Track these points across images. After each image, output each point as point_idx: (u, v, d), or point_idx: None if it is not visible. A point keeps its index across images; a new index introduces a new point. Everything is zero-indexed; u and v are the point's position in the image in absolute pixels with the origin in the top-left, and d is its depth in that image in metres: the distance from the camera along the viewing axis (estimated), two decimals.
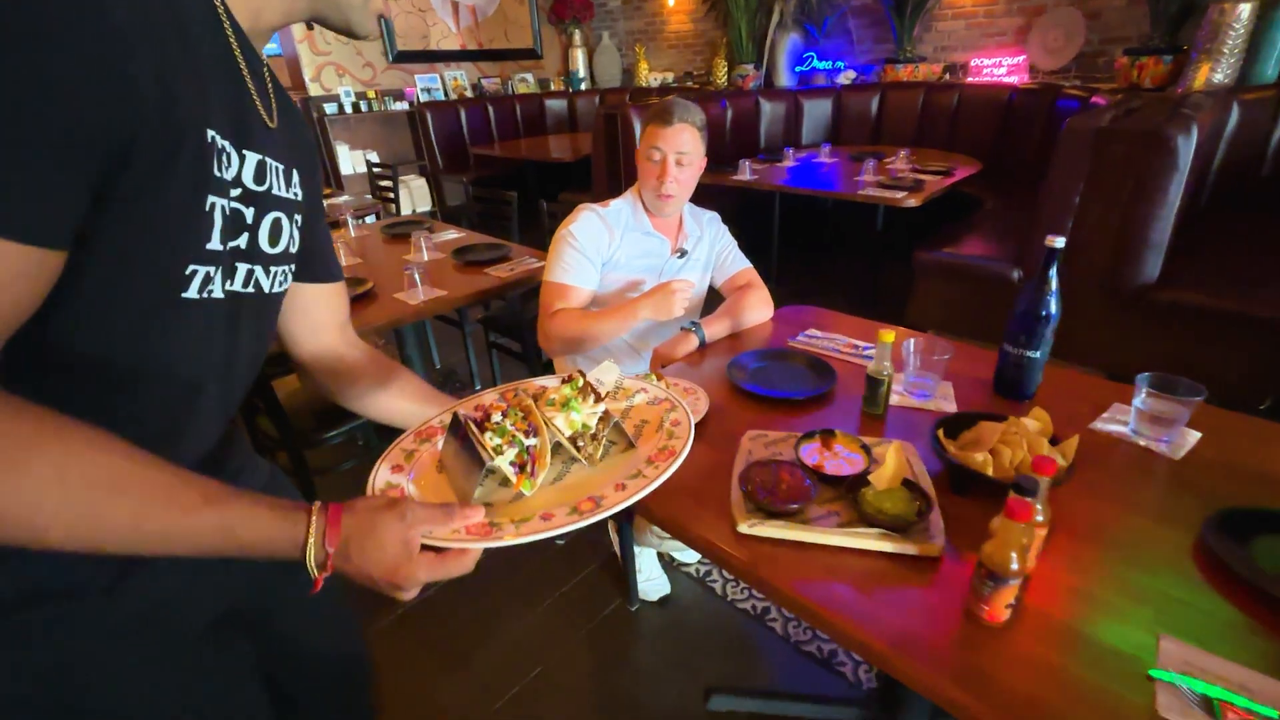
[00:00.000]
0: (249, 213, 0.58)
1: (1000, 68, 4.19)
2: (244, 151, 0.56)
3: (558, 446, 0.68)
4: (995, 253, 2.64)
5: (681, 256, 1.49)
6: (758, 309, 1.47)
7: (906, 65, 4.41)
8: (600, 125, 3.77)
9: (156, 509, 0.46)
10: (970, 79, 4.27)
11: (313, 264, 0.76)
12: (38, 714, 0.53)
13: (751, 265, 1.56)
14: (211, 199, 0.52)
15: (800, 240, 4.17)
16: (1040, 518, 0.71)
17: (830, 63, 4.87)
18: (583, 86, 6.37)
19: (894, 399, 1.14)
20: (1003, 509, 0.65)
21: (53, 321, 0.47)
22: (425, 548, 0.54)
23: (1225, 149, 2.92)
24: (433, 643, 1.60)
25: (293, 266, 0.68)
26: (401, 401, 0.84)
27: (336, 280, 0.81)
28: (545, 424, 0.66)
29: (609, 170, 3.92)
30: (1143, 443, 0.97)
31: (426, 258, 2.16)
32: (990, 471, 0.83)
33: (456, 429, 0.67)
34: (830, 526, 0.81)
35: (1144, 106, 2.54)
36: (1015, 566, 0.64)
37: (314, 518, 0.51)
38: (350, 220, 2.51)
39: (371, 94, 5.22)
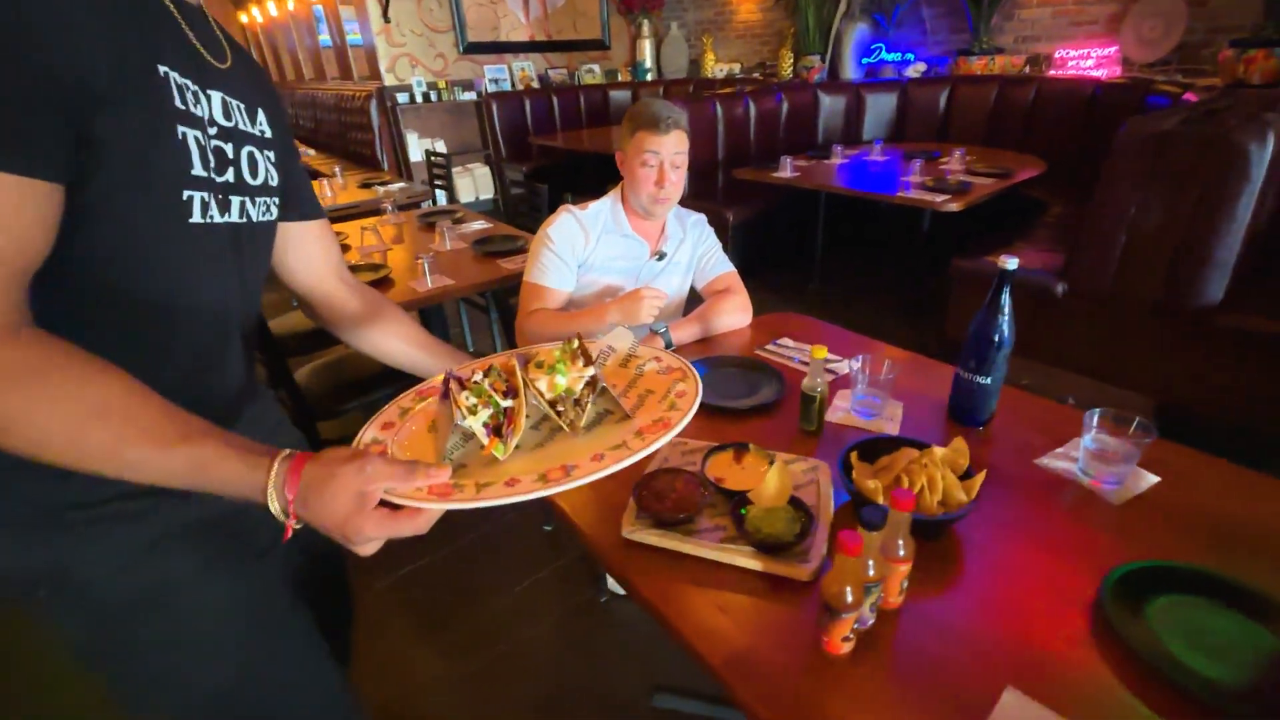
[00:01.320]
0: (229, 148, 0.67)
1: (1088, 59, 3.84)
2: (208, 91, 0.64)
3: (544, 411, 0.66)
4: (1042, 264, 2.46)
5: (660, 259, 1.50)
6: (732, 314, 1.45)
7: (981, 57, 4.14)
8: None
9: (133, 438, 0.51)
10: (1053, 72, 3.95)
11: (293, 201, 0.83)
12: (137, 587, 0.65)
13: (734, 270, 1.54)
14: (183, 130, 0.59)
15: (850, 240, 4.02)
16: (902, 553, 0.68)
17: (900, 54, 4.64)
18: (649, 77, 6.37)
19: (838, 416, 1.11)
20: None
21: (81, 263, 0.55)
22: (384, 504, 0.55)
23: None
24: (412, 610, 1.71)
25: (275, 200, 0.77)
26: (391, 340, 0.92)
27: (318, 217, 0.90)
28: (526, 385, 0.64)
29: None
30: (1087, 483, 0.90)
31: (449, 247, 2.27)
32: (880, 499, 0.81)
33: (446, 388, 0.67)
34: (714, 541, 0.81)
35: (1230, 107, 2.27)
36: (850, 600, 0.62)
37: (276, 464, 0.53)
38: (390, 208, 2.65)
39: (442, 84, 5.45)
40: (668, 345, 1.36)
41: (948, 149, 3.46)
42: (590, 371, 0.66)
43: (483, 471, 0.60)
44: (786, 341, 1.38)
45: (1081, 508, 0.88)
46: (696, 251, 1.55)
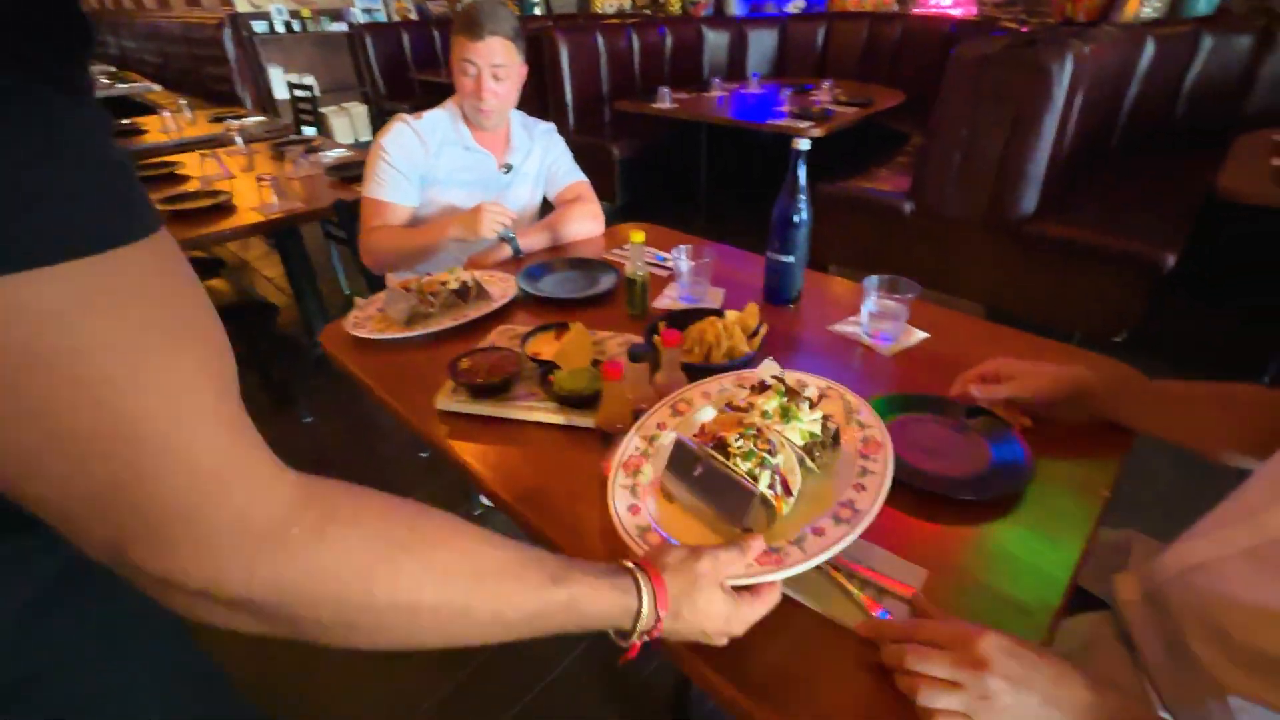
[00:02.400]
0: None
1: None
2: None
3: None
4: (894, 186, 2.65)
5: (508, 171, 1.49)
6: (582, 222, 1.48)
7: None
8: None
9: (511, 596, 0.43)
10: (917, 10, 4.15)
11: None
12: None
13: (586, 179, 1.57)
14: None
15: (734, 177, 4.13)
16: (677, 384, 0.76)
17: None
18: (536, 12, 6.11)
19: (665, 303, 1.18)
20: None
21: None
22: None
23: (1139, 87, 2.90)
24: None
25: None
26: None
27: None
28: (782, 441, 0.61)
29: (536, 94, 3.84)
30: (868, 341, 1.03)
31: (303, 173, 2.14)
32: (689, 358, 0.88)
33: (682, 457, 0.61)
34: (525, 404, 0.86)
35: (1048, 37, 2.50)
36: (620, 425, 0.69)
37: (641, 583, 0.48)
38: (238, 139, 2.46)
39: (306, 12, 5.00)
40: (516, 253, 1.38)
41: (820, 83, 3.59)
42: (819, 413, 0.65)
43: (769, 532, 0.58)
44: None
45: (861, 361, 1.00)
46: (545, 161, 1.55)
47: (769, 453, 0.58)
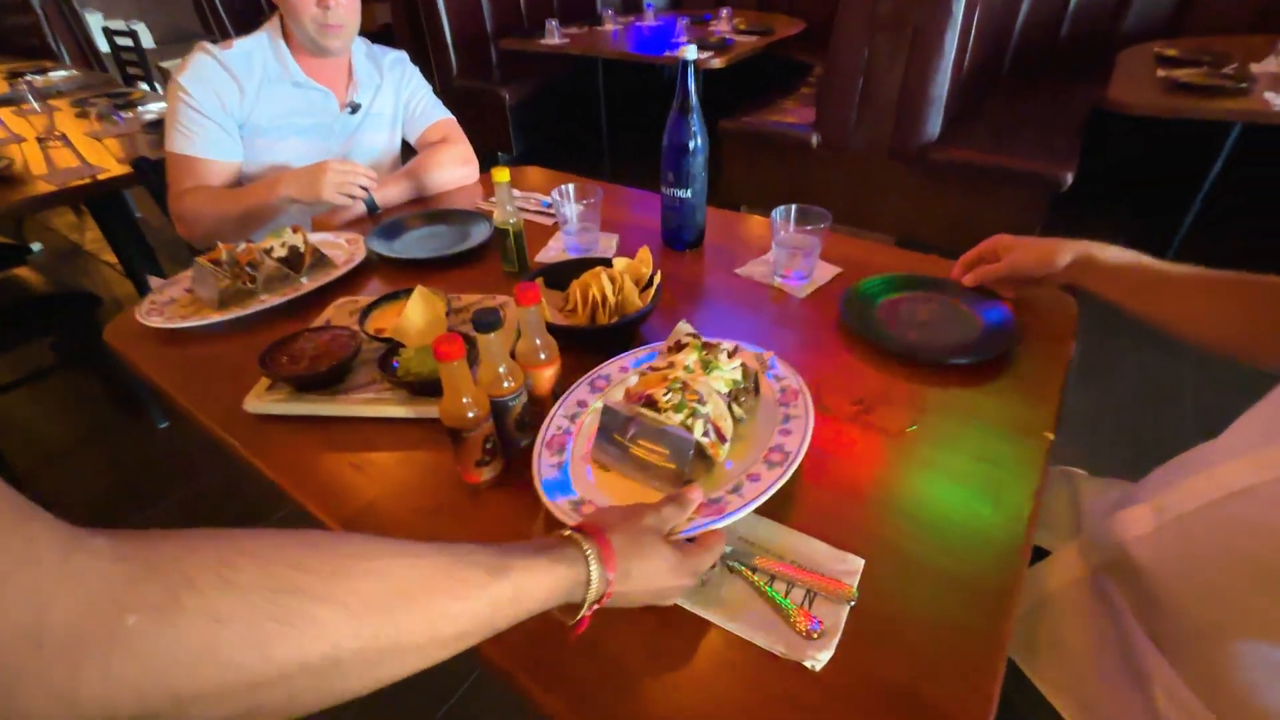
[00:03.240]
0: None
1: None
2: None
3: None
4: (800, 118, 2.54)
5: (354, 112, 1.24)
6: (451, 168, 1.26)
7: None
8: None
9: (453, 605, 0.35)
10: None
11: None
12: None
13: (451, 117, 1.34)
14: None
15: (636, 117, 3.90)
16: (543, 356, 0.60)
17: None
18: None
19: (551, 255, 1.01)
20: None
21: None
22: None
23: (1028, 10, 2.90)
24: None
25: None
26: None
27: None
28: (710, 390, 0.59)
29: (412, 35, 3.44)
30: (779, 283, 0.90)
31: (117, 132, 1.77)
32: (572, 320, 0.72)
33: (612, 423, 0.57)
34: (366, 396, 0.68)
35: None
36: (470, 415, 0.53)
37: (587, 549, 0.43)
38: (28, 96, 2.01)
39: None
40: (371, 210, 1.15)
41: (718, 12, 3.39)
42: (738, 360, 0.63)
43: (707, 481, 0.56)
44: (514, 192, 1.23)
45: (773, 306, 0.87)
46: (400, 97, 1.30)
47: (698, 402, 0.56)
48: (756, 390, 0.63)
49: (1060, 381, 0.70)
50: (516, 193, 1.22)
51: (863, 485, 0.59)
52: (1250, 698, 0.47)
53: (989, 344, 0.75)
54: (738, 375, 0.62)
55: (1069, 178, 1.98)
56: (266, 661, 0.29)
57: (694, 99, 0.89)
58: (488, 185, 1.30)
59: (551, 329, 0.66)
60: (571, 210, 0.97)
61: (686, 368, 0.60)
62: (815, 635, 0.45)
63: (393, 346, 0.70)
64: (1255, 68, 2.02)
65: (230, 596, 0.28)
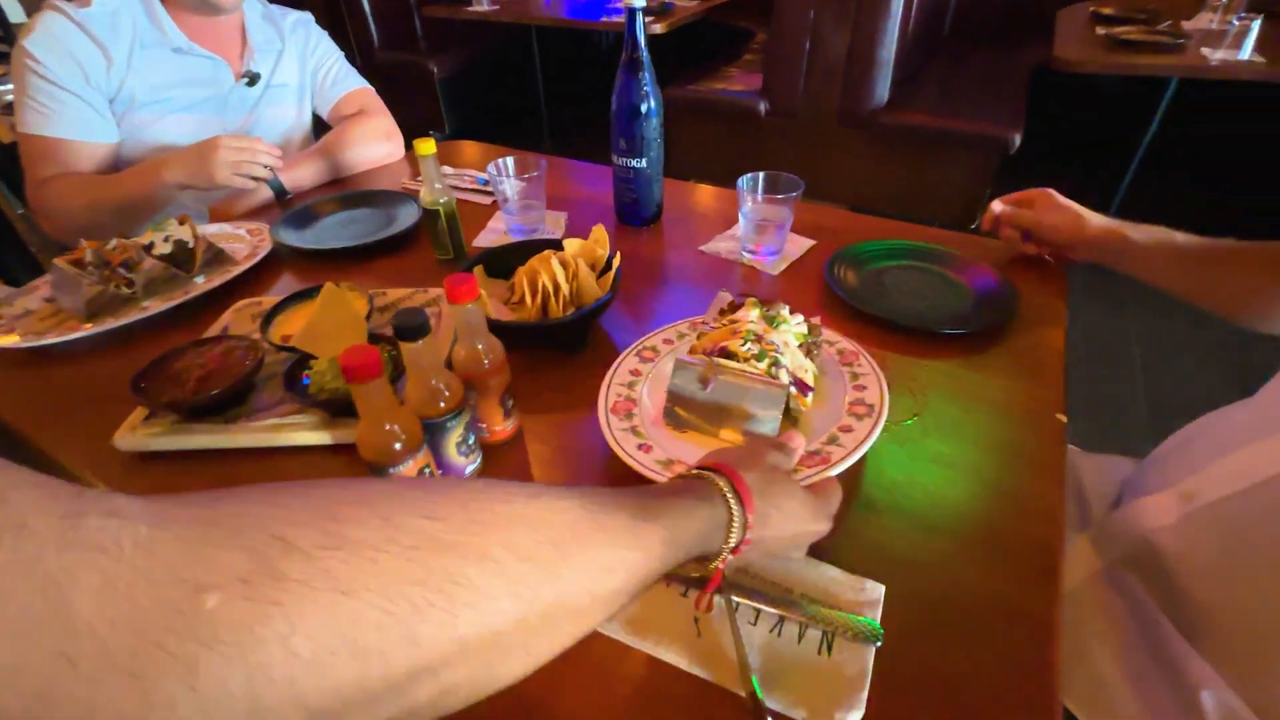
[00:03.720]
0: None
1: None
2: None
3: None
4: (746, 85, 2.45)
5: (252, 83, 1.07)
6: (371, 144, 1.12)
7: None
8: None
9: (606, 554, 0.28)
10: None
11: None
12: None
13: (369, 86, 1.18)
14: None
15: (577, 88, 3.73)
16: (486, 362, 0.49)
17: None
18: None
19: (491, 238, 0.89)
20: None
21: None
22: None
23: None
24: None
25: None
26: None
27: None
28: (785, 341, 0.56)
29: (325, 5, 3.15)
30: (749, 259, 0.81)
31: None
32: (521, 314, 0.62)
33: (687, 379, 0.53)
34: (270, 420, 0.55)
35: None
36: (397, 446, 0.42)
37: (724, 487, 0.36)
38: None
39: None
40: (279, 195, 1.00)
41: None
42: (800, 315, 0.60)
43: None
44: (446, 169, 1.10)
45: (744, 285, 0.79)
46: (307, 65, 1.14)
47: (777, 351, 0.53)
48: (819, 346, 0.60)
49: (1062, 355, 0.64)
50: (448, 169, 1.09)
51: (868, 490, 0.51)
52: None
53: (985, 313, 0.69)
54: (804, 330, 0.58)
55: (1017, 139, 1.97)
56: (414, 644, 0.21)
57: (644, 53, 0.78)
58: (416, 164, 1.15)
59: (496, 327, 0.55)
60: (511, 186, 0.86)
61: (751, 323, 0.56)
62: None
63: (302, 358, 0.58)
64: (1187, 25, 2.05)
65: (353, 560, 0.20)
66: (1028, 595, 0.43)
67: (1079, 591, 0.57)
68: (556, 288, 0.62)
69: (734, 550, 0.36)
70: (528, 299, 0.63)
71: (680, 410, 0.53)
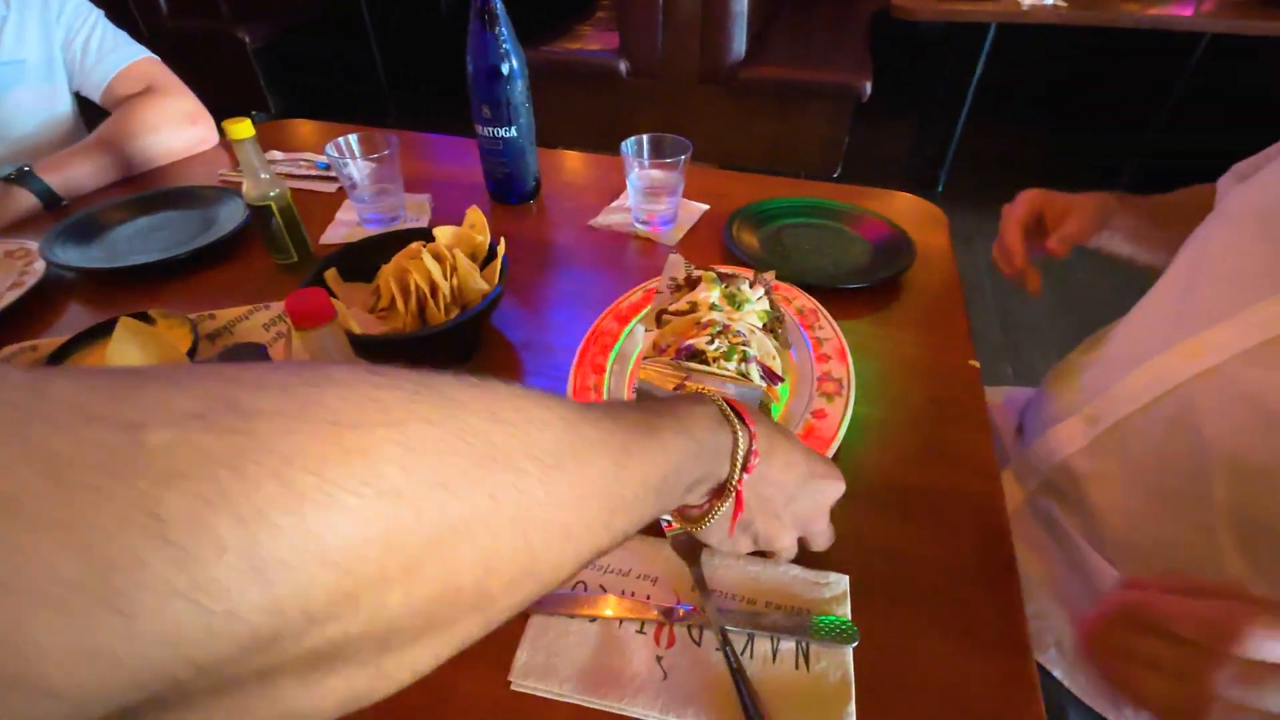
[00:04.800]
0: None
1: None
2: None
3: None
4: (603, 44, 2.35)
5: None
6: (168, 130, 0.91)
7: None
8: None
9: (627, 465, 0.24)
10: None
11: None
12: None
13: (154, 56, 0.96)
14: None
15: (421, 52, 3.42)
16: None
17: None
18: None
19: (341, 234, 0.76)
20: None
21: None
22: None
23: None
24: None
25: None
26: None
27: None
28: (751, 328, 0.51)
29: None
30: (644, 230, 0.75)
31: None
32: (390, 323, 0.51)
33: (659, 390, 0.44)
34: None
35: None
36: None
37: (717, 400, 0.32)
38: None
39: None
40: (49, 204, 0.79)
41: None
42: (760, 289, 0.55)
43: None
44: (275, 154, 0.93)
45: (642, 259, 0.73)
46: (52, 34, 0.89)
47: (744, 344, 0.49)
48: (781, 318, 0.56)
49: (961, 300, 0.65)
50: (276, 154, 0.92)
51: None
52: None
53: (886, 263, 0.69)
54: (766, 305, 0.54)
55: (868, 87, 2.06)
56: (448, 490, 0.17)
57: (498, 4, 0.68)
58: (227, 148, 0.96)
59: (365, 344, 0.45)
60: (359, 169, 0.73)
61: (713, 305, 0.52)
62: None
63: None
64: None
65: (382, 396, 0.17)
66: (985, 562, 0.42)
67: (1077, 456, 0.58)
68: (434, 287, 0.53)
69: (746, 467, 0.31)
70: (400, 304, 0.53)
71: None
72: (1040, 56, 2.76)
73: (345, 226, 0.77)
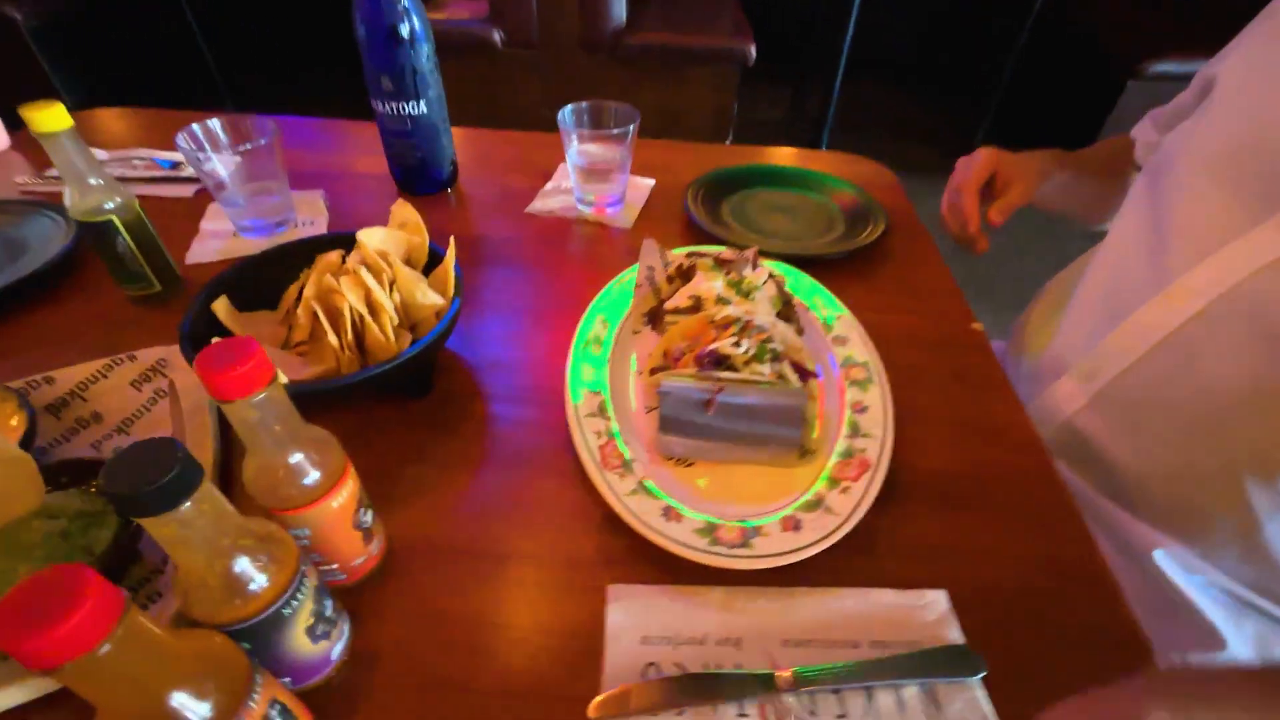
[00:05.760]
0: None
1: None
2: None
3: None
4: (473, 13, 2.15)
5: None
6: None
7: None
8: None
9: None
10: None
11: None
12: None
13: None
14: None
15: (257, 31, 2.98)
16: (316, 463, 0.29)
17: None
18: None
19: (212, 251, 0.60)
20: None
21: None
22: None
23: None
24: None
25: None
26: None
27: None
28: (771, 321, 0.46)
29: None
30: (592, 214, 0.66)
31: None
32: (318, 366, 0.39)
33: (681, 404, 0.41)
34: None
35: None
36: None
37: None
38: None
39: None
40: None
41: None
42: (765, 269, 0.50)
43: (812, 427, 0.46)
44: (98, 153, 0.71)
45: (592, 246, 0.64)
46: None
47: (770, 341, 0.44)
48: (788, 300, 0.51)
49: (941, 260, 0.62)
50: (101, 154, 0.72)
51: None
52: (1250, 534, 0.46)
53: (861, 227, 0.65)
54: (773, 290, 0.50)
55: (753, 51, 2.04)
56: None
57: None
58: (41, 151, 0.74)
59: (302, 396, 0.33)
60: (225, 164, 0.57)
61: (720, 298, 0.47)
62: None
63: None
64: None
65: None
66: (1062, 548, 0.39)
67: (1079, 415, 0.57)
68: (374, 308, 0.41)
69: None
70: (330, 335, 0.41)
71: (675, 445, 0.42)
72: (910, 11, 2.89)
73: (217, 239, 0.61)
